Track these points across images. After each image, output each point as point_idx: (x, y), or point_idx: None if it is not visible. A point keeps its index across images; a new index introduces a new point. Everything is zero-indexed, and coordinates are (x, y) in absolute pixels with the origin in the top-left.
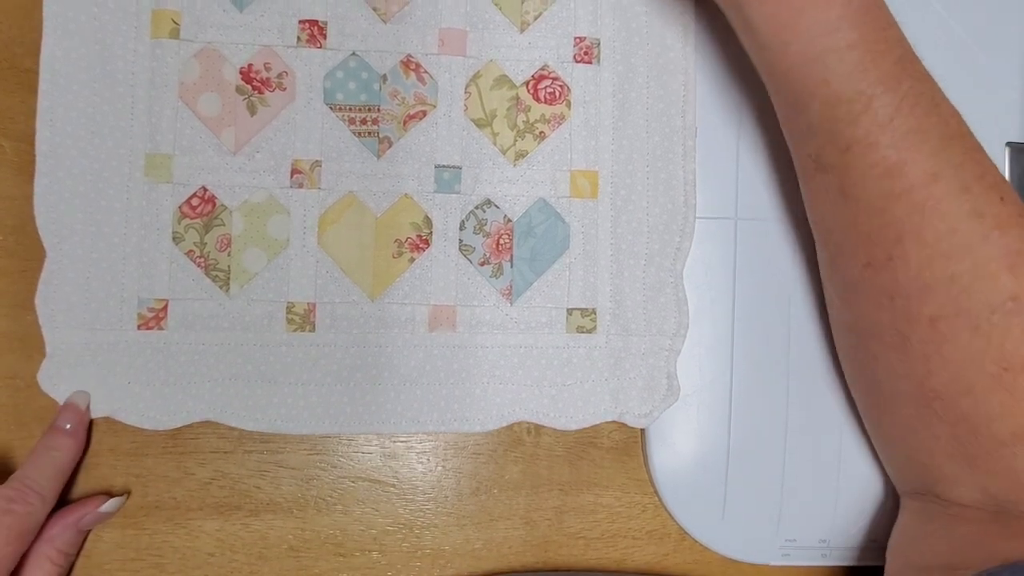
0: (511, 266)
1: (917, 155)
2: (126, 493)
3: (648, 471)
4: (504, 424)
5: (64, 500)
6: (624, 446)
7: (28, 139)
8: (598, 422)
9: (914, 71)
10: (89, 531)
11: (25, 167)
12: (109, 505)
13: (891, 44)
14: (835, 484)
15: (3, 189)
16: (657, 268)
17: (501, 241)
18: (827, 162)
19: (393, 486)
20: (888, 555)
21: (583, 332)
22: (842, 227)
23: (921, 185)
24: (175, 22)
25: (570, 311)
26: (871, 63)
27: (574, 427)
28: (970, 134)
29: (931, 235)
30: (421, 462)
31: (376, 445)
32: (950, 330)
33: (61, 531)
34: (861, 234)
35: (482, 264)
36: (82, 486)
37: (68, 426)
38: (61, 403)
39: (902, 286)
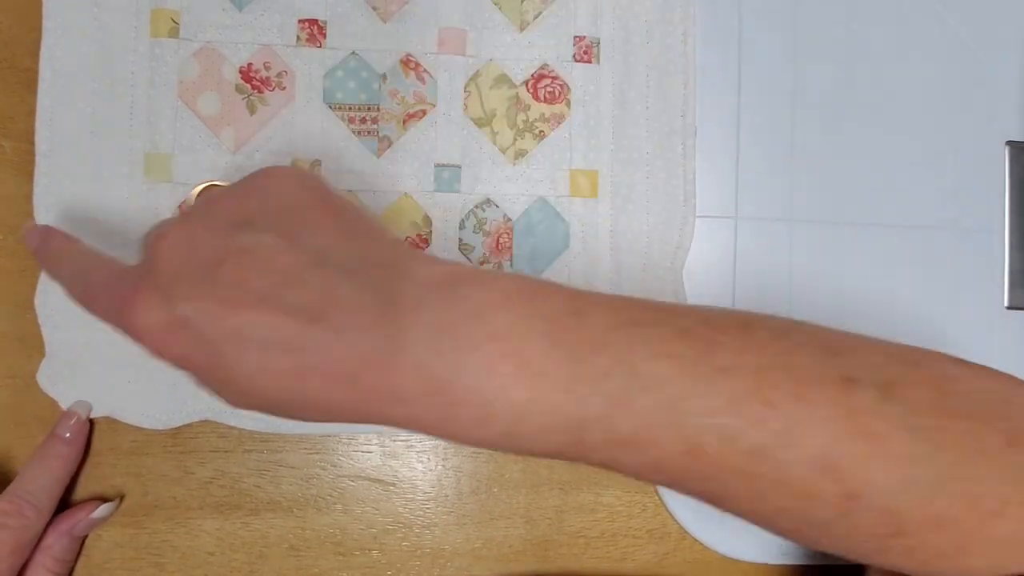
0: (511, 265)
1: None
2: (119, 497)
3: None
4: None
5: (64, 502)
6: None
7: (28, 139)
8: None
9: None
10: (85, 537)
11: (25, 167)
12: (102, 511)
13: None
14: None
15: (3, 189)
16: (656, 267)
17: (501, 240)
18: None
19: (393, 485)
20: None
21: None
22: None
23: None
24: (174, 21)
25: None
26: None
27: None
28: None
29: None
30: (421, 461)
31: (376, 444)
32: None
33: (56, 539)
34: None
35: (482, 263)
36: (83, 485)
37: (68, 435)
38: (60, 402)
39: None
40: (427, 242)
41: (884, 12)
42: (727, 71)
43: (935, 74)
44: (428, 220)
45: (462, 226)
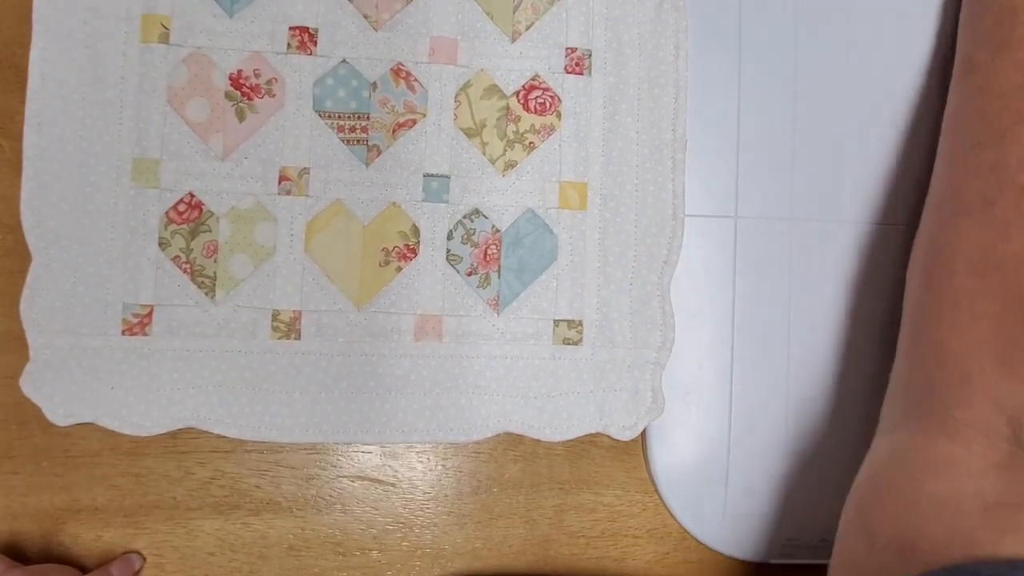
0: (498, 276)
1: None
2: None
3: (648, 470)
4: (489, 435)
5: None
6: (624, 445)
7: None
8: (583, 434)
9: None
10: None
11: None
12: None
13: None
14: (836, 483)
15: (3, 189)
16: (644, 281)
17: (489, 251)
18: (978, 61)
19: (393, 485)
20: (846, 513)
21: (569, 344)
22: (967, 115)
23: None
24: (165, 27)
25: (557, 322)
26: None
27: (558, 439)
28: None
29: None
30: (421, 461)
31: (376, 445)
32: None
33: None
34: (984, 119)
35: (469, 274)
36: (83, 485)
37: None
38: (43, 408)
39: (1005, 158)
40: (414, 252)
41: (884, 13)
42: (727, 69)
43: (935, 74)
44: (416, 230)
45: (450, 236)
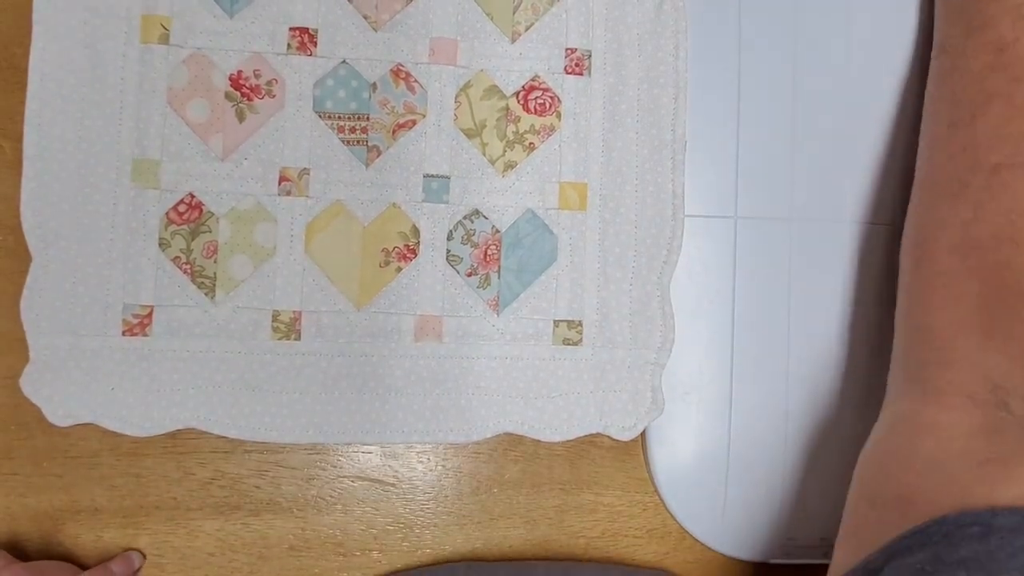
0: (498, 277)
1: None
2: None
3: (648, 470)
4: (489, 435)
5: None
6: (624, 445)
7: None
8: (583, 434)
9: None
10: None
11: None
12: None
13: None
14: (835, 483)
15: (3, 189)
16: (644, 282)
17: (489, 252)
18: (949, 44)
19: (393, 485)
20: (853, 484)
21: (569, 344)
22: (941, 97)
23: (1022, 60)
24: (165, 27)
25: (556, 323)
26: None
27: (558, 439)
28: None
29: (1020, 98)
30: (421, 461)
31: (376, 445)
32: (1010, 177)
33: None
34: (956, 100)
35: (469, 275)
36: (82, 485)
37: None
38: (43, 408)
39: (976, 139)
40: (414, 253)
41: (885, 13)
42: (727, 69)
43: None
44: (416, 231)
45: (450, 237)
